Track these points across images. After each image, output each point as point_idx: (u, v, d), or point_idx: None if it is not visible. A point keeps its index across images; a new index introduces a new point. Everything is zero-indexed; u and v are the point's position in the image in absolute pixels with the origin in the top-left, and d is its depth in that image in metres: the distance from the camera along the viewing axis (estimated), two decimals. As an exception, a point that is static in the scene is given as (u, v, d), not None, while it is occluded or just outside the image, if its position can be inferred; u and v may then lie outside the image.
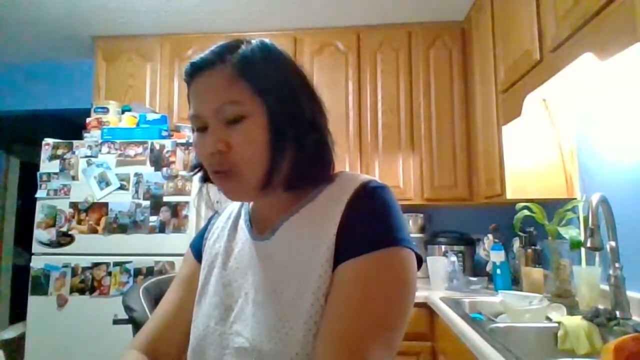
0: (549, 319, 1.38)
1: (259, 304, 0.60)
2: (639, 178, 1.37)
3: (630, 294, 1.28)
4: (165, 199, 2.02)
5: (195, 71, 0.61)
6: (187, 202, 2.01)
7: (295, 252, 0.60)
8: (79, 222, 2.04)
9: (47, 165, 2.11)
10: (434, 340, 1.84)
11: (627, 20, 0.95)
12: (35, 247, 2.05)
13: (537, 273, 1.79)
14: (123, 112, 2.34)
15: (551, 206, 1.75)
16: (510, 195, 1.82)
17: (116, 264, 1.99)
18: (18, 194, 3.87)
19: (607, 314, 1.21)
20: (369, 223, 0.57)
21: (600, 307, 1.31)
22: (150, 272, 1.97)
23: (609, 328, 1.18)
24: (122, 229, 2.02)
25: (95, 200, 2.05)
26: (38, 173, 2.11)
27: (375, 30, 2.56)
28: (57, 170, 2.09)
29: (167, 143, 2.08)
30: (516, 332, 1.27)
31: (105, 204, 2.04)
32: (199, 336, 0.64)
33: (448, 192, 2.40)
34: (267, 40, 0.64)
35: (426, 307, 1.87)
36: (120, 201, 2.04)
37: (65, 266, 2.01)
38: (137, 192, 2.04)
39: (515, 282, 1.97)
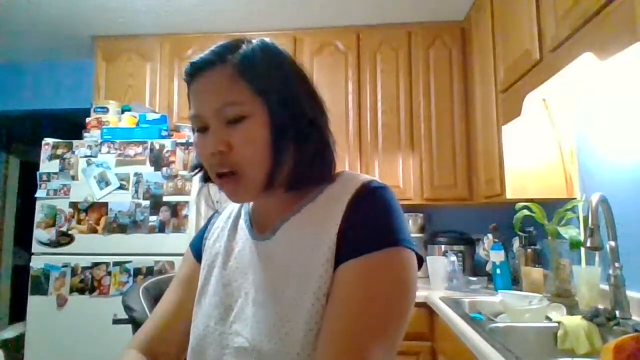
0: (549, 319, 1.38)
1: (259, 304, 0.60)
2: (639, 178, 1.37)
3: (630, 294, 1.28)
4: (165, 199, 2.02)
5: (195, 71, 0.61)
6: (187, 202, 2.01)
7: (296, 252, 0.60)
8: (79, 222, 2.04)
9: (47, 165, 2.11)
10: (434, 340, 1.84)
11: (627, 20, 0.95)
12: (35, 247, 2.05)
13: (537, 273, 1.79)
14: (123, 112, 2.34)
15: (551, 206, 1.75)
16: (510, 195, 1.82)
17: (116, 264, 2.00)
18: (18, 194, 3.87)
19: (607, 314, 1.21)
20: (370, 223, 0.57)
21: (600, 307, 1.31)
22: (150, 272, 1.97)
23: (609, 328, 1.18)
24: (122, 229, 2.02)
25: (95, 200, 2.05)
26: (38, 173, 2.11)
27: (375, 30, 2.56)
28: (57, 170, 2.09)
29: (167, 143, 2.08)
30: (516, 332, 1.27)
31: (105, 204, 2.04)
32: (199, 336, 0.64)
33: (448, 192, 2.40)
34: (267, 40, 0.64)
35: (426, 307, 1.87)
36: (120, 201, 2.04)
37: (65, 266, 2.01)
38: (137, 192, 2.04)
39: (515, 282, 1.97)
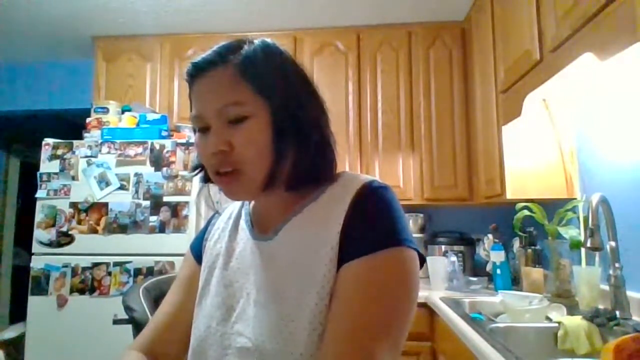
0: (549, 319, 1.38)
1: (261, 304, 0.60)
2: (639, 178, 1.37)
3: (630, 294, 1.28)
4: (165, 199, 2.02)
5: (197, 71, 0.61)
6: (187, 202, 2.01)
7: (298, 252, 0.60)
8: (79, 222, 2.04)
9: (47, 165, 2.11)
10: (434, 340, 1.84)
11: (627, 20, 0.95)
12: (35, 247, 2.05)
13: (537, 273, 1.79)
14: (123, 112, 2.34)
15: (551, 206, 1.75)
16: (510, 195, 1.82)
17: (116, 264, 1.99)
18: (18, 194, 3.87)
19: (607, 314, 1.21)
20: (373, 224, 0.57)
21: (600, 307, 1.31)
22: (150, 272, 1.97)
23: (609, 328, 1.18)
24: (122, 229, 2.02)
25: (95, 200, 2.05)
26: (38, 173, 2.11)
27: (375, 30, 2.56)
28: (57, 170, 2.09)
29: (167, 143, 2.08)
30: (516, 332, 1.27)
31: (105, 204, 2.04)
32: (200, 337, 0.64)
33: (448, 192, 2.40)
34: (269, 40, 0.64)
35: (426, 307, 1.87)
36: (120, 201, 2.04)
37: (65, 266, 2.01)
38: (137, 192, 2.04)
39: (515, 282, 1.97)
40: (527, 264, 1.87)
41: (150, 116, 2.25)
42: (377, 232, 0.56)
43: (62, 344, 1.95)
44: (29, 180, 2.84)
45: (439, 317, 1.68)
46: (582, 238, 1.50)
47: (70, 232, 2.04)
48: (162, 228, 2.00)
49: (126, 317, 0.98)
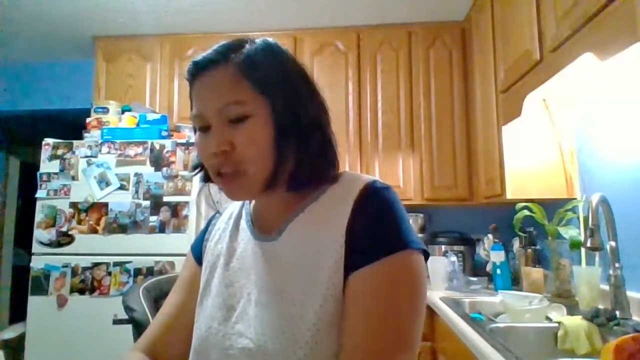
0: (549, 319, 1.38)
1: (262, 305, 0.59)
2: (639, 178, 1.37)
3: (630, 294, 1.28)
4: (165, 199, 2.02)
5: (198, 70, 0.61)
6: (187, 202, 2.01)
7: (302, 253, 0.59)
8: (79, 222, 2.04)
9: (47, 165, 2.11)
10: (434, 340, 1.84)
11: (627, 20, 0.95)
12: (35, 247, 2.05)
13: (537, 273, 1.79)
14: (123, 112, 2.34)
15: (551, 206, 1.75)
16: (510, 195, 1.82)
17: (116, 264, 2.00)
18: (18, 194, 3.87)
19: (607, 314, 1.21)
20: (378, 227, 0.57)
21: (600, 307, 1.31)
22: (150, 272, 1.97)
23: (609, 328, 1.18)
24: (122, 229, 2.02)
25: (95, 200, 2.05)
26: (38, 173, 2.11)
27: (375, 30, 2.56)
28: (57, 170, 2.09)
29: (167, 143, 2.08)
30: (516, 332, 1.27)
31: (105, 204, 2.04)
32: (201, 337, 0.63)
33: (448, 192, 2.40)
34: (270, 40, 0.64)
35: (426, 307, 1.86)
36: (120, 201, 2.04)
37: (65, 266, 2.01)
38: (137, 192, 2.04)
39: (515, 282, 1.97)
40: (527, 264, 1.87)
41: (150, 116, 2.25)
42: (383, 236, 0.56)
43: (62, 344, 1.95)
44: (29, 180, 2.84)
45: (439, 317, 1.68)
46: (582, 238, 1.50)
47: (70, 232, 2.04)
48: (162, 228, 2.00)
49: (126, 317, 0.98)
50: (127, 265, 1.99)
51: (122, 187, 2.05)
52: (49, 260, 2.03)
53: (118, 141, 2.10)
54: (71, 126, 2.58)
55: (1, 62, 3.08)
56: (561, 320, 1.23)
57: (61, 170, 2.09)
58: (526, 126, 1.82)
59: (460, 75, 2.46)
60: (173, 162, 2.05)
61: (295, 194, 0.64)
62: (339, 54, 2.56)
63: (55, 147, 2.12)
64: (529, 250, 1.88)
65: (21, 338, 2.11)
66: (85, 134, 2.22)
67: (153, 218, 2.01)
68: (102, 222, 2.03)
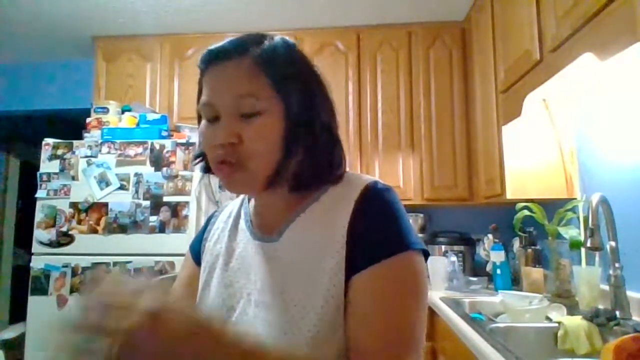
0: (549, 319, 1.38)
1: (262, 305, 0.59)
2: (639, 178, 1.37)
3: (630, 294, 1.28)
4: (165, 199, 2.02)
5: (213, 59, 0.60)
6: (187, 202, 2.01)
7: (304, 255, 0.59)
8: (79, 222, 2.04)
9: (47, 165, 2.11)
10: (434, 340, 1.84)
11: (627, 20, 0.95)
12: (35, 247, 2.04)
13: (537, 273, 1.79)
14: (123, 112, 2.34)
15: (551, 206, 1.75)
16: (510, 195, 1.82)
17: (116, 264, 1.99)
18: (18, 194, 3.87)
19: (607, 314, 1.21)
20: (379, 229, 0.57)
21: (600, 307, 1.31)
22: (150, 272, 1.97)
23: (609, 328, 1.18)
24: (122, 229, 2.02)
25: (95, 200, 2.05)
26: (38, 173, 2.11)
27: (375, 30, 2.56)
28: (57, 170, 2.09)
29: (167, 143, 2.08)
30: (516, 332, 1.27)
31: (105, 204, 2.04)
32: None
33: (448, 192, 2.40)
34: (289, 39, 0.64)
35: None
36: (120, 201, 2.03)
37: (65, 266, 2.01)
38: (137, 192, 2.04)
39: (515, 282, 1.97)
40: (527, 264, 1.87)
41: (150, 116, 2.25)
42: (384, 238, 0.57)
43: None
44: (29, 180, 2.84)
45: (439, 317, 1.68)
46: (582, 238, 1.50)
47: (70, 232, 2.04)
48: (162, 228, 2.00)
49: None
50: (127, 265, 1.99)
51: (122, 187, 2.05)
52: (49, 260, 2.03)
53: (118, 141, 2.10)
54: (71, 126, 2.59)
55: (1, 62, 3.08)
56: (561, 320, 1.23)
57: (61, 170, 2.09)
58: (526, 126, 1.82)
59: (460, 75, 2.46)
60: (173, 162, 2.05)
61: (296, 194, 0.64)
62: (339, 54, 2.56)
63: (55, 147, 2.12)
64: (529, 250, 1.88)
65: (21, 338, 2.11)
66: (85, 134, 2.22)
67: (153, 218, 2.01)
68: (102, 222, 2.03)
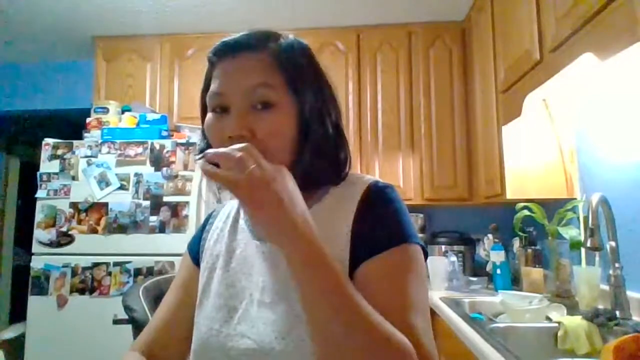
0: (549, 319, 1.38)
1: (266, 305, 0.59)
2: (639, 178, 1.37)
3: (630, 294, 1.28)
4: (165, 199, 2.02)
5: (227, 51, 0.59)
6: (187, 202, 2.01)
7: None
8: (79, 222, 2.04)
9: (47, 165, 2.11)
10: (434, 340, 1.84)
11: (627, 20, 0.95)
12: (35, 247, 2.05)
13: (537, 273, 1.79)
14: (123, 112, 2.34)
15: (551, 206, 1.75)
16: (510, 195, 1.82)
17: (116, 264, 2.00)
18: (18, 194, 3.87)
19: (607, 314, 1.21)
20: (382, 223, 0.59)
21: (600, 307, 1.31)
22: (150, 272, 1.97)
23: (609, 328, 1.18)
24: (122, 229, 2.02)
25: (95, 200, 2.05)
26: (38, 173, 2.11)
27: (375, 30, 2.56)
28: (57, 170, 2.09)
29: (167, 143, 2.08)
30: (516, 332, 1.27)
31: (105, 204, 2.04)
32: (202, 338, 0.63)
33: (448, 192, 2.40)
34: (303, 40, 0.65)
35: (426, 307, 1.86)
36: (120, 201, 2.04)
37: (65, 266, 2.01)
38: (137, 192, 2.04)
39: (515, 282, 1.97)
40: (527, 264, 1.86)
41: (150, 116, 2.25)
42: (386, 232, 0.58)
43: (62, 344, 1.95)
44: (29, 180, 2.84)
45: (439, 317, 1.67)
46: (582, 238, 1.49)
47: (70, 232, 2.04)
48: (162, 228, 2.00)
49: (126, 317, 0.98)
50: (127, 265, 1.99)
51: (122, 187, 2.05)
52: (49, 260, 2.03)
53: (118, 141, 2.10)
54: (71, 126, 2.59)
55: (1, 62, 3.08)
56: (561, 320, 1.23)
57: (61, 170, 2.09)
58: (526, 126, 1.82)
59: (460, 75, 2.46)
60: (173, 162, 2.05)
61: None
62: (339, 53, 2.56)
63: (55, 147, 2.12)
64: (529, 250, 1.87)
65: (21, 338, 2.11)
66: (85, 134, 2.22)
67: (153, 218, 2.01)
68: (102, 222, 2.03)
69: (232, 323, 0.61)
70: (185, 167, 2.04)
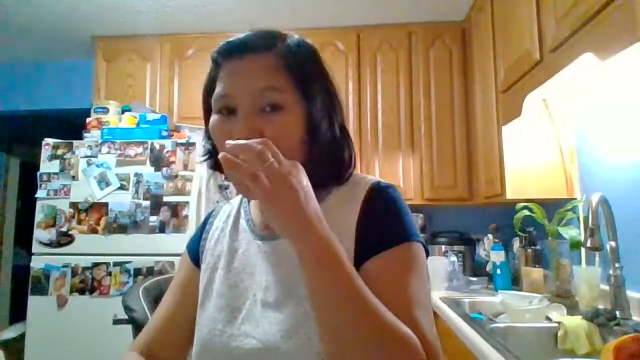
0: (549, 319, 1.38)
1: (270, 305, 0.59)
2: (639, 178, 1.37)
3: (630, 294, 1.28)
4: (165, 199, 2.02)
5: (233, 52, 0.59)
6: (187, 202, 2.01)
7: None
8: (79, 222, 2.04)
9: (47, 165, 2.11)
10: (434, 340, 1.84)
11: (627, 20, 0.95)
12: (35, 247, 2.05)
13: (537, 273, 1.79)
14: (123, 112, 2.34)
15: (551, 206, 1.75)
16: (510, 195, 1.82)
17: (116, 264, 1.99)
18: (18, 194, 3.87)
19: (607, 314, 1.21)
20: (385, 222, 0.61)
21: (600, 307, 1.31)
22: (150, 272, 1.97)
23: (609, 328, 1.18)
24: (122, 229, 2.02)
25: (95, 200, 2.05)
26: (38, 173, 2.11)
27: (375, 30, 2.56)
28: (57, 170, 2.09)
29: (167, 143, 2.08)
30: (516, 332, 1.27)
31: (105, 204, 2.04)
32: (204, 339, 0.62)
33: (448, 192, 2.40)
34: (308, 40, 0.64)
35: (426, 307, 1.86)
36: (120, 201, 2.04)
37: (65, 266, 2.01)
38: (137, 192, 2.04)
39: (515, 282, 1.97)
40: (527, 264, 1.87)
41: (150, 116, 2.25)
42: (388, 231, 0.60)
43: (62, 344, 1.95)
44: (29, 180, 2.84)
45: (439, 317, 1.67)
46: (582, 238, 1.49)
47: (70, 232, 2.04)
48: (162, 228, 2.00)
49: (126, 317, 0.98)
50: (127, 265, 1.99)
51: (122, 187, 2.05)
52: (49, 260, 2.03)
53: (118, 141, 2.10)
54: (71, 126, 2.59)
55: (1, 62, 3.08)
56: (561, 320, 1.23)
57: (61, 170, 2.09)
58: (526, 126, 1.82)
59: (460, 75, 2.46)
60: (173, 162, 2.05)
61: None
62: (339, 53, 2.56)
63: (55, 147, 2.12)
64: (529, 250, 1.87)
65: (21, 338, 2.11)
66: (85, 134, 2.22)
67: (153, 218, 2.01)
68: (102, 222, 2.03)
69: (235, 323, 0.61)
70: (185, 167, 2.04)
